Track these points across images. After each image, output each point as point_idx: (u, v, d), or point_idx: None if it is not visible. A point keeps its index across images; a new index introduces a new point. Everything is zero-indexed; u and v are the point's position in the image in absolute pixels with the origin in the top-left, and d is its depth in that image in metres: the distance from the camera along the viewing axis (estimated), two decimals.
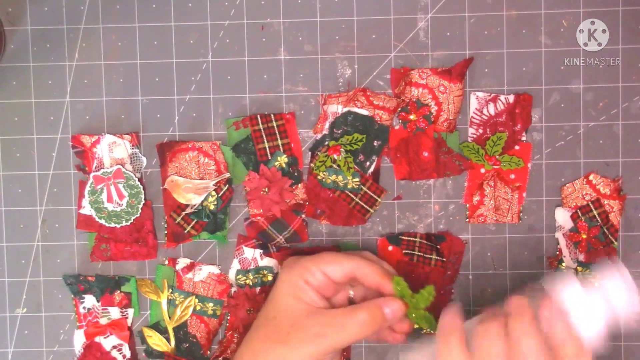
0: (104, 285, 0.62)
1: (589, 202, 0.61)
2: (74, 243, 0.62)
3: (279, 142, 0.61)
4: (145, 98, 0.62)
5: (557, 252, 0.61)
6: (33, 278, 0.63)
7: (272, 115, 0.61)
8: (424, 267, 0.61)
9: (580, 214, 0.60)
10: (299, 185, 0.62)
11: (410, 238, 0.61)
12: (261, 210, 0.62)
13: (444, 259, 0.61)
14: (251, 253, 0.62)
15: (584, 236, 0.60)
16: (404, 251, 0.61)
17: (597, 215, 0.60)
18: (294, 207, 0.62)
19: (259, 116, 0.61)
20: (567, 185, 0.61)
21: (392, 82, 0.61)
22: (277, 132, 0.61)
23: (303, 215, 0.62)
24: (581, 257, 0.60)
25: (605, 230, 0.60)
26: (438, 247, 0.61)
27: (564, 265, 0.61)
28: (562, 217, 0.61)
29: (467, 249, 0.62)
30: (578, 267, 0.61)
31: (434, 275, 0.61)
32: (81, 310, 0.62)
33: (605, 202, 0.61)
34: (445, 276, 0.61)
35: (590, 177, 0.61)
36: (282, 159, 0.61)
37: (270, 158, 0.61)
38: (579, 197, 0.61)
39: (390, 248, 0.61)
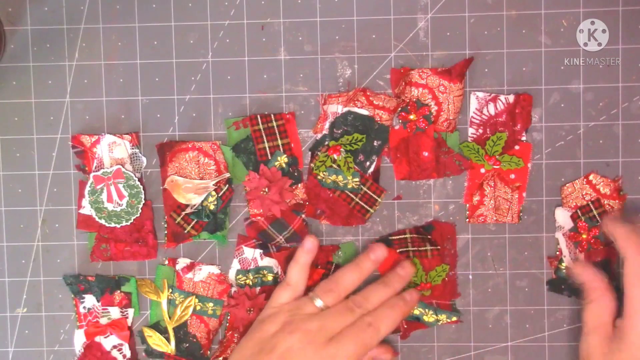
0: (104, 285, 0.62)
1: (589, 202, 0.61)
2: (74, 243, 0.62)
3: (279, 142, 0.61)
4: (145, 98, 0.62)
5: (557, 252, 0.61)
6: (33, 278, 0.63)
7: (272, 115, 0.61)
8: (422, 259, 0.61)
9: (580, 214, 0.60)
10: (299, 185, 0.62)
11: (400, 236, 0.61)
12: (261, 210, 0.62)
13: (439, 247, 0.61)
14: (251, 253, 0.62)
15: (584, 236, 0.60)
16: (397, 250, 0.61)
17: (597, 215, 0.60)
18: (294, 207, 0.62)
19: (259, 116, 0.61)
20: (567, 185, 0.61)
21: (392, 82, 0.61)
22: (277, 132, 0.61)
23: (303, 215, 0.62)
24: (581, 257, 0.60)
25: None
26: (429, 237, 0.61)
27: (564, 265, 0.61)
28: (562, 217, 0.61)
29: (467, 249, 0.62)
30: None
31: (434, 265, 0.61)
32: (81, 310, 0.62)
33: (605, 202, 0.61)
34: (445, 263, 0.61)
35: (590, 177, 0.61)
36: (282, 159, 0.61)
37: (270, 158, 0.61)
38: (579, 197, 0.61)
39: None
